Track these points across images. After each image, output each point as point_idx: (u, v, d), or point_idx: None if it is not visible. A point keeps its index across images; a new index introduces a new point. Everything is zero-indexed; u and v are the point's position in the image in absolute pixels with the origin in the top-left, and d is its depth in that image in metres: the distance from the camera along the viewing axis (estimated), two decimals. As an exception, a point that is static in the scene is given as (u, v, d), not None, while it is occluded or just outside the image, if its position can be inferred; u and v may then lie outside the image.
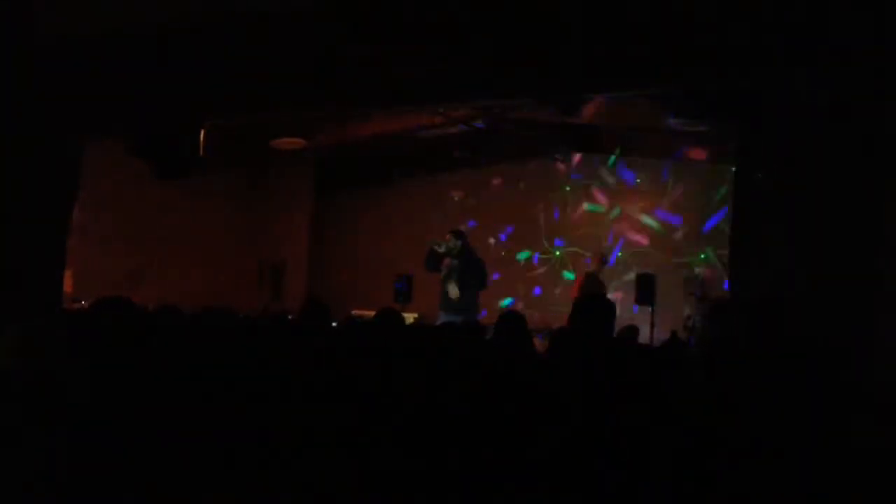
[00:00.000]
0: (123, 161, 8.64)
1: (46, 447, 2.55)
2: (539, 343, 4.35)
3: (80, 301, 7.55)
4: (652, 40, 6.04)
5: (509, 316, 3.89)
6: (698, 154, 10.02)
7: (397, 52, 6.57)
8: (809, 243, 5.24)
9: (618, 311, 3.48)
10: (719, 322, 2.75)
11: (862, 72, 5.07)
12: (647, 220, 10.61)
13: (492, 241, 11.21)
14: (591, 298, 3.18)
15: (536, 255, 11.15)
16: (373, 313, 4.17)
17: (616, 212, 10.77)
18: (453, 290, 8.04)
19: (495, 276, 10.16)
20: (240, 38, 6.46)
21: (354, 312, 8.59)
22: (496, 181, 11.44)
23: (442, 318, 7.88)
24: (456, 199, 11.49)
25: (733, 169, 7.19)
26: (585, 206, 10.95)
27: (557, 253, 11.00)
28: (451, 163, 11.17)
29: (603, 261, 9.35)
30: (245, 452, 2.67)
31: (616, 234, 10.71)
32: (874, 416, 2.62)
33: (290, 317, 4.64)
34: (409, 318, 7.20)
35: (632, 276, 9.57)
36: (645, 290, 8.62)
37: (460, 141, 10.61)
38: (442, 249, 8.14)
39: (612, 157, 10.73)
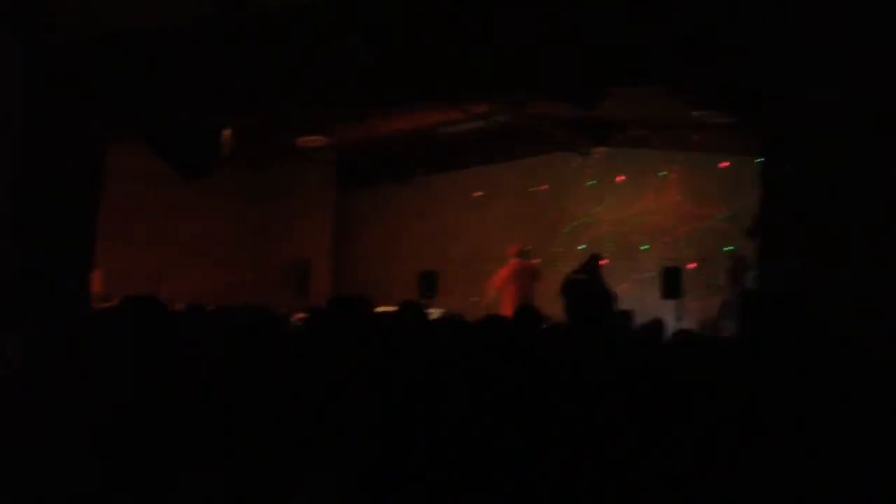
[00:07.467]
0: (149, 163, 8.71)
1: (71, 446, 2.58)
2: None
3: (110, 300, 7.63)
4: (672, 32, 6.00)
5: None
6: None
7: (410, 49, 6.57)
8: (835, 237, 5.18)
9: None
10: (748, 314, 2.73)
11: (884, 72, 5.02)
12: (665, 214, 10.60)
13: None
14: (583, 288, 3.18)
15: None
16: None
17: (638, 205, 10.74)
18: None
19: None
20: (257, 37, 6.50)
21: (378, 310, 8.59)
22: (517, 176, 11.43)
23: None
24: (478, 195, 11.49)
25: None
26: (607, 200, 10.92)
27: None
28: (472, 158, 11.16)
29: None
30: (279, 447, 2.69)
31: (639, 229, 10.67)
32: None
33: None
34: (435, 313, 7.20)
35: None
36: (670, 284, 8.56)
37: (481, 137, 10.60)
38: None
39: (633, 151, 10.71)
